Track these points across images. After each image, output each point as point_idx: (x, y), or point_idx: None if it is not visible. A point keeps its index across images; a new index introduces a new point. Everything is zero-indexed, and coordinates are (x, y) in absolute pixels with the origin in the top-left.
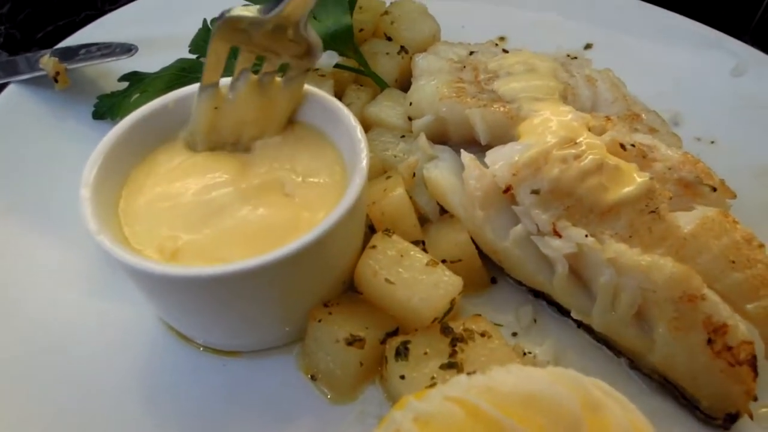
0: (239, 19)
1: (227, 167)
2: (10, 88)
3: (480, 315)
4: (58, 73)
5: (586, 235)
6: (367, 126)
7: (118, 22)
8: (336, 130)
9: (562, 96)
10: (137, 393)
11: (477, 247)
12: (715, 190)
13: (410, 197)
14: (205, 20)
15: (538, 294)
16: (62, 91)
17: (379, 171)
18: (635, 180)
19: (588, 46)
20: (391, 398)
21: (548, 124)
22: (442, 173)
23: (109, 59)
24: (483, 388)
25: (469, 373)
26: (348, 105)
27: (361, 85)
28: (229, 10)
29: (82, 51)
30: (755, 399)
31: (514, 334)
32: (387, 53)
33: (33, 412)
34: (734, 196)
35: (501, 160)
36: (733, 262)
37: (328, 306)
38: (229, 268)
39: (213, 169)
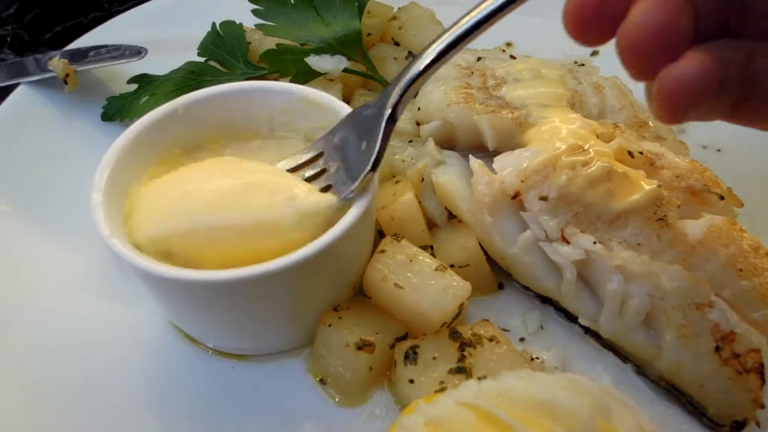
0: None
1: (237, 172)
2: (20, 89)
3: (488, 320)
4: (67, 75)
5: (595, 242)
6: None
7: (128, 24)
8: None
9: (569, 103)
10: (145, 395)
11: (485, 253)
12: (722, 198)
13: (419, 202)
14: (214, 23)
15: (545, 300)
16: (71, 93)
17: (388, 175)
18: (643, 187)
19: (595, 53)
20: (400, 402)
21: (556, 131)
22: (451, 178)
23: (118, 61)
24: (494, 393)
25: (479, 378)
26: None
27: (369, 90)
28: None
29: (92, 53)
30: (762, 407)
31: (522, 340)
32: (395, 58)
33: (41, 414)
34: (741, 205)
35: (509, 166)
36: (741, 270)
37: (338, 310)
38: (240, 273)
39: (222, 173)
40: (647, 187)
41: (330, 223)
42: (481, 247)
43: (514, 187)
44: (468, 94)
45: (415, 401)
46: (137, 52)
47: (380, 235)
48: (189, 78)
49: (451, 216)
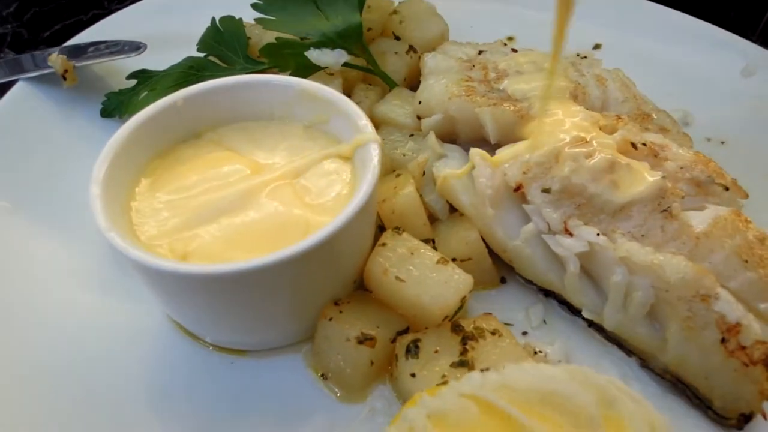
0: None
1: (240, 166)
2: (19, 85)
3: (490, 314)
4: (66, 71)
5: (598, 234)
6: (376, 125)
7: (127, 20)
8: (346, 128)
9: (572, 95)
10: (145, 391)
11: (487, 246)
12: (727, 189)
13: (420, 195)
14: (213, 18)
15: (548, 293)
16: (71, 89)
17: (389, 169)
18: (647, 179)
19: (597, 46)
20: (402, 396)
21: (559, 123)
22: (452, 172)
23: (117, 57)
24: (497, 385)
25: (482, 370)
26: (357, 104)
27: (370, 84)
28: None
29: (91, 49)
30: None
31: (525, 333)
32: (396, 52)
33: (41, 410)
34: (746, 196)
35: (511, 158)
36: (746, 261)
37: (338, 304)
38: (240, 266)
39: (225, 167)
40: (651, 179)
41: None
42: (483, 241)
43: (516, 180)
44: (469, 87)
45: (418, 394)
46: (136, 47)
47: (381, 229)
48: (188, 73)
49: (453, 210)
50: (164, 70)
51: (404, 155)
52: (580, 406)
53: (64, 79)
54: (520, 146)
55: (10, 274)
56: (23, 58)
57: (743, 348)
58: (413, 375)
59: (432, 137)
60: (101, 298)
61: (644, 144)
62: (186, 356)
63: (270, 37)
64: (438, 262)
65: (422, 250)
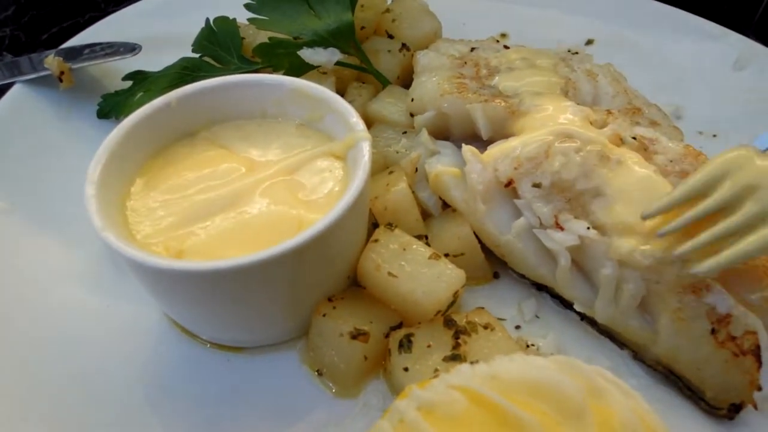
0: None
1: (234, 164)
2: (15, 88)
3: (483, 308)
4: (62, 73)
5: (588, 227)
6: (369, 122)
7: (122, 21)
8: (339, 126)
9: (563, 91)
10: (141, 388)
11: (480, 241)
12: None
13: (412, 192)
14: (207, 19)
15: (541, 287)
16: (67, 91)
17: (382, 167)
18: (637, 172)
19: (589, 42)
20: (395, 391)
21: (549, 119)
22: (444, 168)
23: (113, 58)
24: (487, 377)
25: (472, 362)
26: (350, 102)
27: (363, 83)
28: None
29: (87, 50)
30: (759, 389)
31: (518, 327)
32: (388, 51)
33: (37, 408)
34: None
35: (502, 154)
36: None
37: (332, 300)
38: (233, 263)
39: (220, 166)
40: (640, 172)
41: None
42: (476, 236)
43: (507, 175)
44: (461, 84)
45: (409, 386)
46: (131, 48)
47: (375, 226)
48: (183, 74)
49: (446, 206)
50: (160, 71)
51: (397, 152)
52: (568, 396)
53: (61, 81)
54: (510, 142)
55: (6, 275)
56: (20, 60)
57: (733, 339)
58: (406, 369)
59: (425, 134)
60: (98, 298)
61: (634, 138)
62: (182, 353)
63: (264, 37)
64: (430, 258)
65: (414, 246)
